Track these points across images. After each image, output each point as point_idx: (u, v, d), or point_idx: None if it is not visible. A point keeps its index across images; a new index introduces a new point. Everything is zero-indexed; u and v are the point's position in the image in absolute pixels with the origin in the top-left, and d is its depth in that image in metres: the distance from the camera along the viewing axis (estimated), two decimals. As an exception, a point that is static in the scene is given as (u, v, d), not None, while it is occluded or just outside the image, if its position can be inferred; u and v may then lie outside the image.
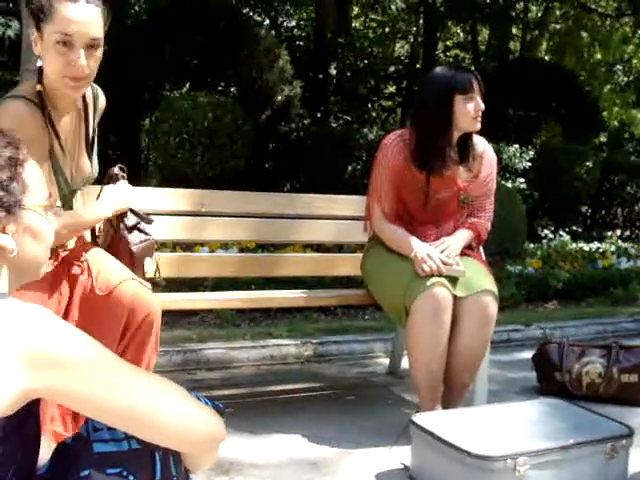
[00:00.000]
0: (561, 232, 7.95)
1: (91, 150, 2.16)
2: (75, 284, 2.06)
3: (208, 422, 1.17)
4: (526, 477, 2.00)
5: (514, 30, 12.72)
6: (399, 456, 2.37)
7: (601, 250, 7.08)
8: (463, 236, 2.76)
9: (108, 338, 1.90)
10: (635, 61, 13.20)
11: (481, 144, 2.81)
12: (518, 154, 8.03)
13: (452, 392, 2.63)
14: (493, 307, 2.56)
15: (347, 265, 3.27)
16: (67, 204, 2.08)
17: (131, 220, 2.23)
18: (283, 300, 3.17)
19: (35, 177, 1.18)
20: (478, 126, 2.67)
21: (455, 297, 2.53)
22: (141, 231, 2.25)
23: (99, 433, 1.17)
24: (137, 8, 9.44)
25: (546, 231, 8.04)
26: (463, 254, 2.70)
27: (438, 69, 2.79)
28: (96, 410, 1.08)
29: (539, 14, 12.91)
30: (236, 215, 3.03)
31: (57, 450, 1.23)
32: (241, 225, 3.06)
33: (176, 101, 7.33)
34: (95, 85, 2.17)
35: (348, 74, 12.24)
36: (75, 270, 2.07)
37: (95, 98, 2.18)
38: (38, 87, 1.95)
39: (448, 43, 13.99)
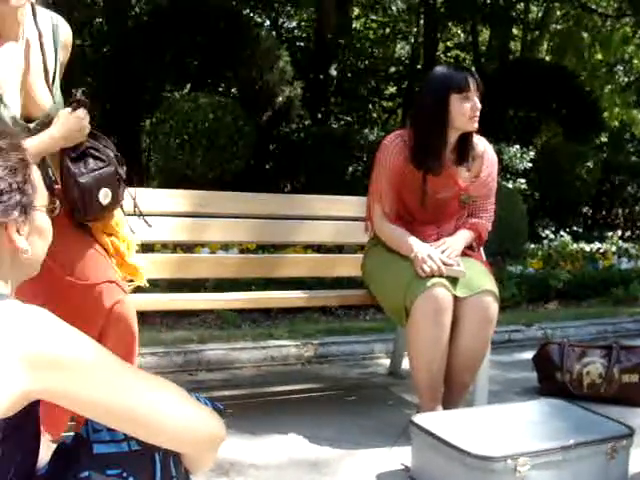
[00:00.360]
0: (562, 232, 7.93)
1: (53, 83, 2.03)
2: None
3: (208, 423, 1.17)
4: (526, 477, 2.00)
5: (515, 30, 12.69)
6: (399, 456, 2.37)
7: (602, 250, 7.07)
8: (464, 236, 2.76)
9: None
10: (636, 61, 13.19)
11: (481, 144, 2.80)
12: (519, 154, 8.01)
13: (452, 392, 2.62)
14: (494, 307, 2.57)
15: (347, 266, 3.27)
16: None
17: (82, 149, 1.96)
18: (284, 300, 3.17)
19: (38, 177, 1.18)
20: (475, 126, 2.66)
21: (456, 297, 2.53)
22: (96, 158, 1.99)
23: (99, 434, 1.17)
24: (137, 9, 9.43)
25: (547, 231, 8.03)
26: (464, 254, 2.70)
27: (437, 68, 2.79)
28: (96, 411, 1.08)
29: (540, 14, 12.89)
30: (237, 216, 3.03)
31: (57, 451, 1.23)
32: (242, 226, 3.06)
33: (177, 102, 7.32)
34: (57, 15, 2.07)
35: (349, 75, 12.23)
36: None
37: (55, 28, 2.06)
38: None
39: (449, 44, 13.97)
